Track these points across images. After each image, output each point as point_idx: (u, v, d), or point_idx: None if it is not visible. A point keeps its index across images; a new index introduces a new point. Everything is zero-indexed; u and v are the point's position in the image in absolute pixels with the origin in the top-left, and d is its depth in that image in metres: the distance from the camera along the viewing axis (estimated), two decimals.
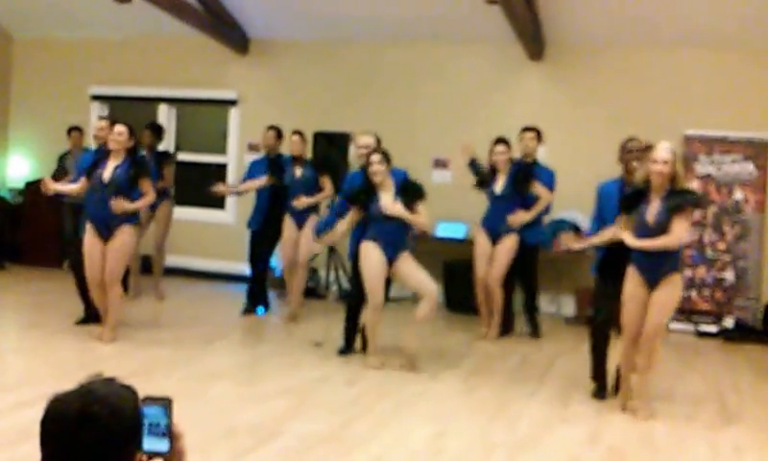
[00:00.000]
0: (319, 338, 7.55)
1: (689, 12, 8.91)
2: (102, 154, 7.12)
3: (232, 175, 10.96)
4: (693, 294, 9.16)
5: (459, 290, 9.32)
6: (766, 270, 9.17)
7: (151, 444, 1.96)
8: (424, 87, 10.26)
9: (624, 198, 5.78)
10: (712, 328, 8.96)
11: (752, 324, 9.00)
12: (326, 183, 8.44)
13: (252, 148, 10.89)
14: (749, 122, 9.16)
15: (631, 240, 5.47)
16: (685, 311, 9.20)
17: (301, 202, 8.27)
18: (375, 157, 6.64)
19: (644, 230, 5.47)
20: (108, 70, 11.48)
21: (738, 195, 9.05)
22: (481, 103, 9.99)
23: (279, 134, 8.79)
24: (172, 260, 10.08)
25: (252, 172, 8.78)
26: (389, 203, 6.55)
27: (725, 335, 8.68)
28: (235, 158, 11.05)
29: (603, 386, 6.15)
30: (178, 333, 7.49)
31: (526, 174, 7.95)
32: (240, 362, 6.92)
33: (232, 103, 11.07)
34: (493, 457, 4.84)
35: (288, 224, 8.46)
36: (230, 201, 10.98)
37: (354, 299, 7.10)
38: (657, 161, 5.41)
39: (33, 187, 11.16)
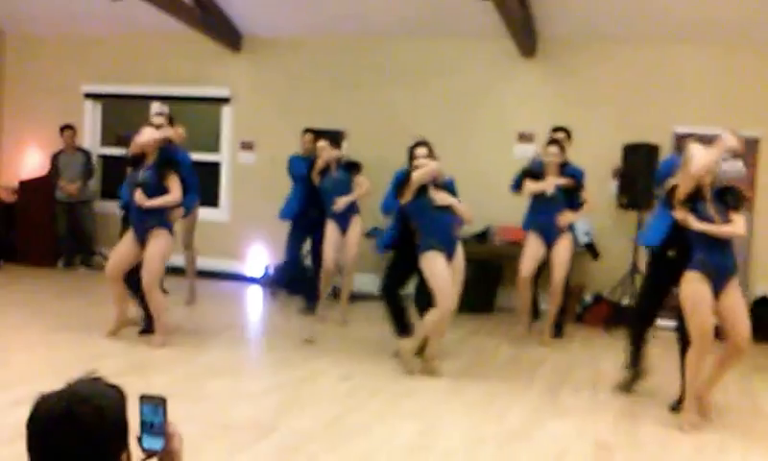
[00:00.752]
0: (311, 335, 7.62)
1: (681, 9, 8.98)
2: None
3: (225, 174, 11.01)
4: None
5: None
6: (754, 267, 9.25)
7: (148, 441, 2.02)
8: (417, 84, 10.30)
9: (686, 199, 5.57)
10: None
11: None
12: (363, 182, 8.38)
13: (245, 146, 10.95)
14: (739, 120, 9.20)
15: (727, 229, 5.37)
16: (672, 308, 9.25)
17: (339, 204, 8.24)
18: (421, 151, 6.57)
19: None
20: (101, 68, 11.51)
21: None
22: (474, 99, 10.04)
23: (317, 137, 8.85)
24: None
25: (296, 168, 8.88)
26: (439, 194, 6.47)
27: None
28: (228, 156, 11.09)
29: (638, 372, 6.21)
30: (173, 330, 7.49)
31: (579, 179, 7.93)
32: (234, 359, 6.94)
33: (225, 100, 11.11)
34: (483, 451, 4.88)
35: (331, 227, 8.36)
36: (224, 199, 11.03)
37: (388, 290, 7.02)
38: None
39: (26, 186, 11.20)
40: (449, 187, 6.73)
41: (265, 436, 4.88)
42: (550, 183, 7.70)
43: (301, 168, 8.74)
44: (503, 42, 9.65)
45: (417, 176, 6.45)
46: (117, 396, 1.86)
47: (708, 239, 5.37)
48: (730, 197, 5.47)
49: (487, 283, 9.47)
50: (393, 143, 9.52)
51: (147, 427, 2.04)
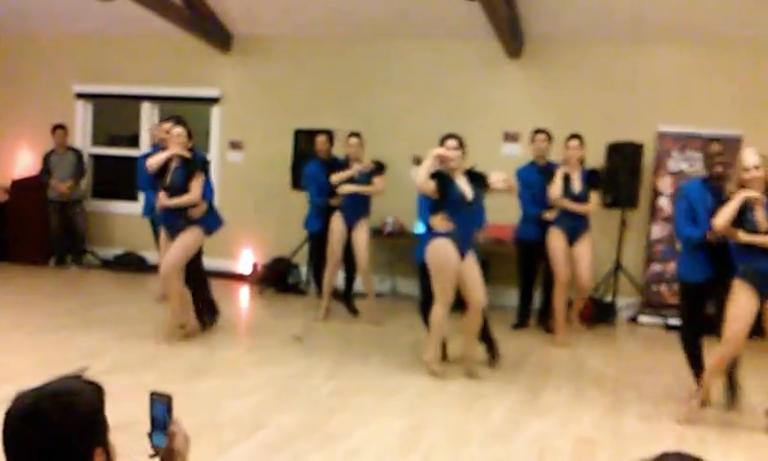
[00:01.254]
0: (300, 333, 7.73)
1: (664, 10, 9.09)
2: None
3: (214, 173, 11.10)
4: (663, 288, 9.39)
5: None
6: None
7: (157, 438, 2.10)
8: (405, 84, 10.40)
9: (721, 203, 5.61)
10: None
11: (719, 318, 9.19)
12: (379, 182, 8.43)
13: (234, 145, 11.05)
14: (721, 118, 9.36)
15: None
16: (655, 305, 9.42)
17: (343, 185, 8.33)
18: (452, 143, 6.44)
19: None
20: (92, 68, 11.58)
21: None
22: (461, 99, 10.15)
23: (331, 139, 8.98)
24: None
25: (312, 172, 8.94)
26: (497, 176, 6.37)
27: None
28: (217, 156, 11.18)
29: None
30: (161, 329, 7.56)
31: (599, 177, 8.13)
32: (223, 357, 6.99)
33: (215, 100, 11.20)
34: (467, 448, 4.98)
35: (338, 222, 8.41)
36: (214, 197, 11.10)
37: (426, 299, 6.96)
38: (748, 169, 5.40)
39: (18, 185, 11.28)
40: None
41: (252, 434, 4.96)
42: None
43: (318, 173, 8.79)
44: (489, 43, 9.75)
45: (422, 167, 6.40)
46: (92, 393, 1.85)
47: (754, 246, 5.44)
48: None
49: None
50: (381, 143, 9.67)
51: (156, 424, 2.10)
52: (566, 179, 7.92)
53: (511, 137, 9.83)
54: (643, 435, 5.44)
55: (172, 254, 7.08)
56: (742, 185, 5.43)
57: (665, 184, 9.45)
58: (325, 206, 8.69)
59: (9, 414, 1.80)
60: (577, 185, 7.93)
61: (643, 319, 9.40)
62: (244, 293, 10.19)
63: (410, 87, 10.38)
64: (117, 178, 11.74)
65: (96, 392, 1.86)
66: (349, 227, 8.41)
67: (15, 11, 11.34)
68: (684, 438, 5.40)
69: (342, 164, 8.64)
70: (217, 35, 10.91)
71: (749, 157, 5.43)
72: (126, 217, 11.36)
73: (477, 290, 6.46)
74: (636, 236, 9.64)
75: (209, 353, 6.99)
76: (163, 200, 7.03)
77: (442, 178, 6.36)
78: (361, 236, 8.40)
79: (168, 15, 9.95)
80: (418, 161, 10.18)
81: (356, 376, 6.46)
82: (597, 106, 9.74)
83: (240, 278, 10.71)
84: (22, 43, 11.89)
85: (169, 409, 2.10)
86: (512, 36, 9.58)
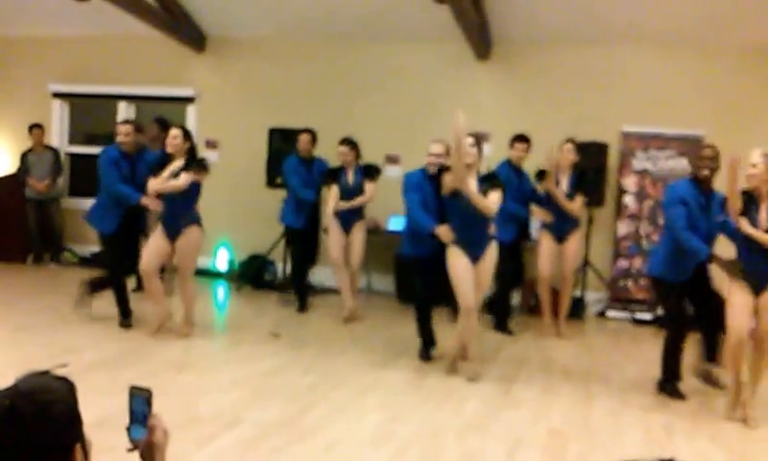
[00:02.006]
0: (276, 329, 7.87)
1: (627, 14, 9.30)
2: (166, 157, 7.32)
3: None
4: (630, 283, 9.67)
5: (410, 282, 9.62)
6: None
7: (135, 432, 2.12)
8: (376, 85, 10.57)
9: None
10: (647, 316, 9.39)
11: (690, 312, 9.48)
12: (369, 188, 8.60)
13: (210, 144, 11.18)
14: (683, 120, 9.61)
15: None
16: (622, 300, 9.69)
17: (339, 205, 8.50)
18: (469, 140, 6.42)
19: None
20: (69, 68, 11.64)
21: None
22: (430, 101, 10.34)
23: (314, 139, 9.09)
24: None
25: (292, 166, 8.97)
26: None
27: (659, 323, 8.99)
28: None
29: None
30: (139, 325, 7.67)
31: (587, 179, 8.46)
32: (201, 353, 7.05)
33: (190, 100, 11.32)
34: (442, 440, 5.10)
35: (334, 228, 8.60)
36: None
37: (420, 298, 7.16)
38: (755, 165, 5.64)
39: None
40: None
41: (230, 429, 5.02)
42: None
43: (298, 168, 8.92)
44: (459, 45, 9.93)
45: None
46: (64, 389, 1.81)
47: (751, 243, 5.69)
48: None
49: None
50: (357, 142, 9.82)
51: (135, 418, 2.13)
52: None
53: (480, 138, 10.01)
54: (612, 427, 5.59)
55: (188, 261, 7.35)
56: (748, 182, 5.69)
57: (630, 183, 9.72)
58: (313, 202, 8.92)
59: None
60: (565, 187, 8.25)
61: (611, 313, 9.67)
62: (220, 290, 10.31)
63: (382, 88, 10.55)
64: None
65: (69, 388, 1.83)
66: (347, 230, 8.64)
67: None
68: (651, 427, 5.59)
69: (322, 167, 8.90)
70: (192, 35, 11.02)
71: (753, 155, 5.68)
72: None
73: (468, 293, 6.49)
74: (602, 233, 9.88)
75: (187, 350, 7.04)
76: (153, 185, 7.16)
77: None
78: (358, 238, 8.64)
79: (143, 16, 10.02)
80: (390, 160, 10.41)
81: (333, 372, 6.55)
82: (563, 106, 9.97)
83: (216, 275, 10.84)
84: None
85: (149, 403, 2.10)
86: (480, 38, 9.75)
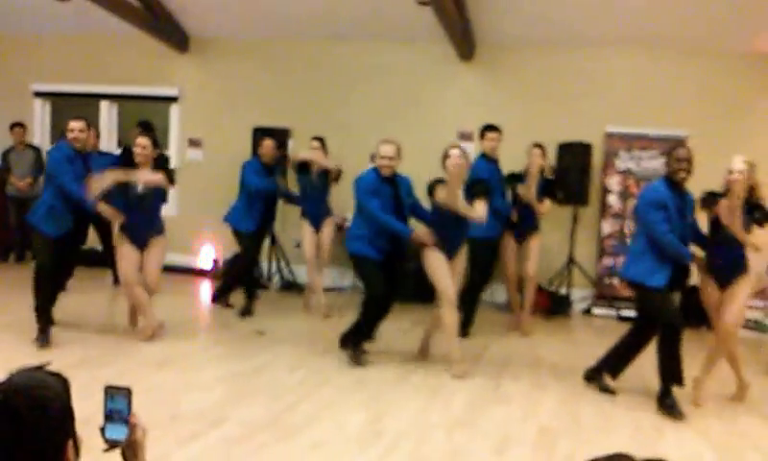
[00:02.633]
0: (261, 327, 7.84)
1: (610, 15, 9.35)
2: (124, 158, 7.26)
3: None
4: (615, 281, 9.70)
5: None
6: None
7: (111, 431, 2.10)
8: (359, 85, 10.58)
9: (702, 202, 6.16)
10: (633, 313, 9.41)
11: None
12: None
13: (193, 143, 11.14)
14: (666, 120, 9.68)
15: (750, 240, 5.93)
16: (607, 297, 9.74)
17: None
18: (456, 152, 6.56)
19: (727, 236, 5.95)
20: (51, 67, 11.57)
21: None
22: (414, 101, 10.36)
23: (283, 142, 9.20)
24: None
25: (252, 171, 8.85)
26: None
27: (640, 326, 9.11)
28: (176, 154, 11.26)
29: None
30: (121, 323, 7.64)
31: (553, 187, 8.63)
32: (183, 351, 6.99)
33: (173, 99, 11.28)
34: (430, 437, 5.09)
35: (307, 228, 8.81)
36: (172, 193, 11.15)
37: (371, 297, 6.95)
38: (733, 172, 5.86)
39: None
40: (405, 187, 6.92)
41: (214, 427, 4.98)
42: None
43: (262, 177, 8.79)
44: (442, 46, 9.96)
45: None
46: (58, 385, 1.82)
47: (719, 241, 6.01)
48: (758, 213, 5.95)
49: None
50: (337, 142, 9.83)
51: (110, 418, 2.09)
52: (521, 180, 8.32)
53: (465, 136, 10.04)
54: (600, 423, 5.61)
55: (155, 270, 7.23)
56: (728, 187, 5.88)
57: (614, 182, 9.76)
58: (268, 208, 8.90)
59: None
60: (533, 190, 8.27)
61: (597, 310, 9.72)
62: (205, 288, 10.27)
63: (366, 88, 10.56)
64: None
65: (63, 384, 1.85)
66: (317, 228, 8.81)
67: None
68: (642, 426, 5.60)
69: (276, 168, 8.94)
70: (175, 35, 10.99)
71: (735, 162, 5.85)
72: None
73: (450, 287, 6.64)
74: (587, 232, 9.93)
75: (170, 348, 6.99)
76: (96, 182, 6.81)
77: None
78: (327, 233, 8.85)
79: (126, 16, 9.99)
80: (373, 160, 10.37)
81: (318, 369, 6.53)
82: (548, 106, 10.02)
83: (201, 273, 10.80)
84: None
85: (129, 401, 2.09)
86: (463, 39, 9.78)
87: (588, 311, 9.77)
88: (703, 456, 5.11)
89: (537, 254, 8.44)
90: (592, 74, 9.97)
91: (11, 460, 1.71)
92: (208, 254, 10.95)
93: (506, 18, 9.70)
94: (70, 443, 1.80)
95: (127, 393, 2.12)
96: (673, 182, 6.09)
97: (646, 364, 6.47)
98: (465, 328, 7.88)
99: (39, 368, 1.85)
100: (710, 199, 6.12)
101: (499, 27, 9.87)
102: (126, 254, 7.17)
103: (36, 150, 11.21)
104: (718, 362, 6.23)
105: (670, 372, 6.03)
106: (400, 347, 7.34)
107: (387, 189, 6.81)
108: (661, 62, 9.80)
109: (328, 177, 8.81)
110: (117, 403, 2.11)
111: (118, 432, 2.10)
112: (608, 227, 9.79)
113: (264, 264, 10.34)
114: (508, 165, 8.49)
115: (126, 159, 7.30)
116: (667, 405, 5.91)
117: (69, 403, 1.82)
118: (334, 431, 5.12)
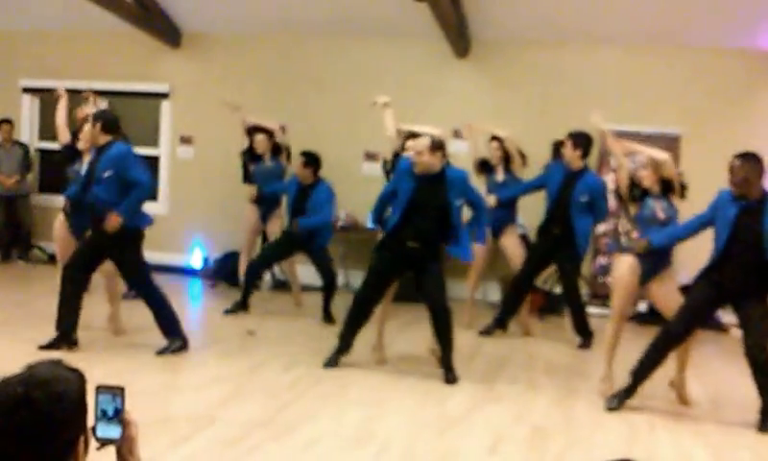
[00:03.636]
0: (253, 327, 7.77)
1: (607, 12, 9.34)
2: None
3: (164, 168, 11.11)
4: (609, 280, 9.63)
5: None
6: (676, 257, 9.66)
7: (103, 431, 2.06)
8: (354, 82, 10.48)
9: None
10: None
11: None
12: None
13: (185, 140, 11.06)
14: (661, 118, 9.65)
15: None
16: (601, 296, 9.68)
17: None
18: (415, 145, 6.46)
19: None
20: (40, 63, 11.44)
21: None
22: (409, 99, 10.22)
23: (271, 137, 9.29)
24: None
25: None
26: None
27: (639, 319, 8.97)
28: (167, 151, 11.18)
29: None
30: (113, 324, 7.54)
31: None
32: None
33: (164, 96, 11.19)
34: (424, 437, 5.09)
35: (253, 212, 9.08)
36: (164, 192, 11.11)
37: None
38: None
39: None
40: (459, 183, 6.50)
41: (207, 427, 4.95)
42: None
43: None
44: (437, 43, 9.90)
45: None
46: (76, 380, 1.86)
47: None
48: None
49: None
50: (332, 139, 9.78)
51: (102, 417, 2.06)
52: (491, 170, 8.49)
53: (459, 135, 9.99)
54: (594, 423, 5.60)
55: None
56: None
57: (608, 181, 9.69)
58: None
59: None
60: (500, 178, 8.43)
61: (591, 310, 9.62)
62: (195, 288, 10.21)
63: (361, 85, 10.46)
64: (64, 172, 11.62)
65: (80, 379, 1.88)
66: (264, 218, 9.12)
67: None
68: (636, 426, 5.58)
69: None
70: (166, 30, 10.90)
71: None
72: None
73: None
74: None
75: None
76: None
77: None
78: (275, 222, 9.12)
79: (116, 11, 9.91)
80: (369, 157, 10.34)
81: (311, 369, 6.48)
82: (542, 104, 9.97)
83: (191, 272, 10.72)
84: None
85: (122, 399, 2.08)
86: (459, 36, 9.76)
87: None
88: (696, 456, 5.11)
89: (516, 248, 8.34)
90: (587, 72, 9.93)
91: (26, 451, 1.75)
92: (199, 252, 10.85)
93: (501, 15, 9.67)
94: (82, 438, 1.84)
95: (119, 391, 2.10)
96: None
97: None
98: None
99: (59, 362, 1.89)
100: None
101: (495, 24, 9.83)
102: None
103: (24, 147, 11.13)
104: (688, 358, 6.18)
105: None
106: (395, 345, 7.29)
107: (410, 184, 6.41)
108: (656, 59, 9.77)
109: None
110: (109, 402, 2.08)
111: (111, 431, 2.07)
112: (602, 225, 9.73)
113: None
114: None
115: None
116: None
117: (85, 399, 1.85)
118: (328, 431, 5.11)
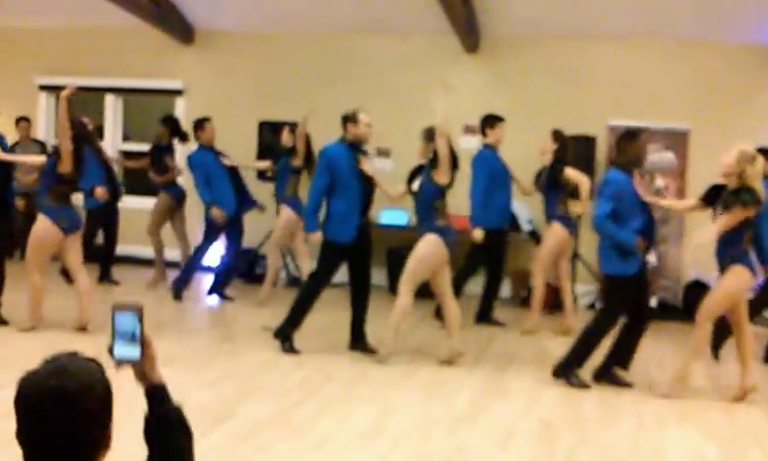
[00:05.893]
0: (268, 323, 7.86)
1: (616, 8, 9.40)
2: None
3: (179, 163, 11.18)
4: None
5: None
6: (685, 252, 9.71)
7: (122, 351, 2.07)
8: (365, 78, 10.58)
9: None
10: None
11: (673, 303, 9.57)
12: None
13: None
14: (669, 113, 9.68)
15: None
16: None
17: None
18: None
19: None
20: (56, 60, 11.57)
21: (660, 182, 9.57)
22: (419, 94, 10.23)
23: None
24: (121, 249, 10.32)
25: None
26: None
27: (649, 314, 9.11)
28: (181, 147, 11.23)
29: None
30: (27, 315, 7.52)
31: None
32: (188, 347, 6.99)
33: (178, 92, 11.29)
34: (434, 433, 5.14)
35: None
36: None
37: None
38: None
39: None
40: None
41: (218, 424, 4.99)
42: None
43: None
44: (447, 38, 9.97)
45: None
46: (99, 370, 1.90)
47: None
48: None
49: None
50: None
51: (120, 337, 2.05)
52: None
53: (470, 130, 10.05)
54: (604, 418, 5.65)
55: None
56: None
57: None
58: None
59: (27, 394, 1.81)
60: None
61: (600, 305, 9.68)
62: (210, 284, 10.23)
63: (371, 81, 10.56)
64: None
65: (101, 369, 1.91)
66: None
67: None
68: (642, 417, 5.65)
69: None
70: (179, 27, 11.00)
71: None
72: None
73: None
74: (591, 226, 9.88)
75: (175, 344, 6.96)
76: None
77: None
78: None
79: (131, 8, 10.02)
80: (381, 153, 10.40)
81: (322, 366, 6.55)
82: (551, 99, 10.02)
83: (208, 269, 10.77)
84: None
85: (140, 319, 2.05)
86: (468, 31, 9.81)
87: (592, 306, 9.78)
88: (705, 452, 5.14)
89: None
90: (596, 67, 9.99)
91: (65, 442, 1.79)
92: (216, 250, 10.91)
93: (511, 10, 9.73)
94: (111, 425, 1.89)
95: (137, 310, 2.06)
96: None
97: (649, 356, 6.50)
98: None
99: (74, 353, 1.91)
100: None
101: (505, 19, 9.90)
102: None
103: (42, 144, 11.22)
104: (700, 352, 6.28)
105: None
106: (404, 342, 7.34)
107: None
108: (665, 55, 9.82)
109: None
110: (127, 322, 2.05)
111: (130, 351, 2.06)
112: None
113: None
114: (512, 157, 8.52)
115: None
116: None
117: (109, 386, 1.89)
118: (339, 428, 5.16)
